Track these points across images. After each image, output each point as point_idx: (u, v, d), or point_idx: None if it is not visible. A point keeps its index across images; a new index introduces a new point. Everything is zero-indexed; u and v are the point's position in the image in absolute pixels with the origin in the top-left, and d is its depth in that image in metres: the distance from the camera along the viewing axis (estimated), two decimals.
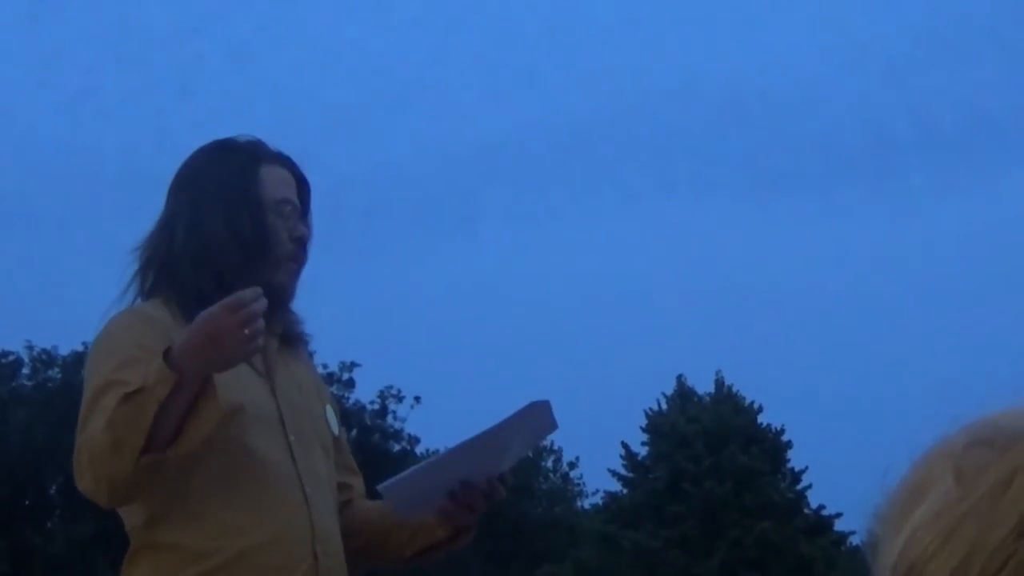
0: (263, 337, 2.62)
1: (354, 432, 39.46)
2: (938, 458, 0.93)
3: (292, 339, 3.07)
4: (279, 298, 2.98)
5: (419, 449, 45.04)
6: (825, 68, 76.80)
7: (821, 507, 37.97)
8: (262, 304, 2.58)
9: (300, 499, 2.86)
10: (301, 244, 3.00)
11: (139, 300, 2.95)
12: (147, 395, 2.59)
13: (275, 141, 3.09)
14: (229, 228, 2.91)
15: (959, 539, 0.87)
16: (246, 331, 2.56)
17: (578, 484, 50.63)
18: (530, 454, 49.73)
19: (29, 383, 40.14)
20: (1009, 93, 71.62)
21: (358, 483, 3.14)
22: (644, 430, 38.17)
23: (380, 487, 2.91)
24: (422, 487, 2.93)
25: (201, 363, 2.60)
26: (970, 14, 73.65)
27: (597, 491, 43.53)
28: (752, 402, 38.30)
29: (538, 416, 2.98)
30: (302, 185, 3.07)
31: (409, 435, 44.14)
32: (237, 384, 2.88)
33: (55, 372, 40.06)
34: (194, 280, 2.89)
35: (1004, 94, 69.49)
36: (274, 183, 2.99)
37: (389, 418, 43.50)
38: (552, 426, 3.03)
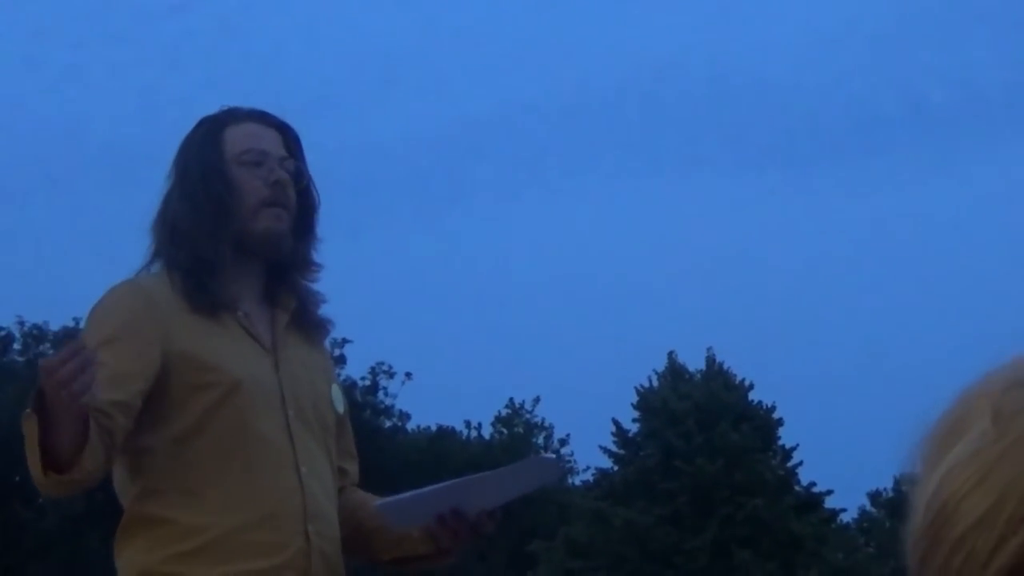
0: (94, 391, 2.51)
1: None
2: (977, 397, 0.92)
3: (309, 326, 3.07)
4: (272, 246, 2.97)
5: (410, 425, 45.15)
6: (812, 45, 76.81)
7: (812, 484, 38.03)
8: (71, 367, 2.46)
9: (294, 479, 2.85)
10: (280, 187, 2.97)
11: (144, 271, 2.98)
12: (31, 424, 2.59)
13: None
14: (185, 198, 2.93)
15: (992, 481, 0.87)
16: (63, 393, 2.47)
17: (569, 461, 50.65)
18: (520, 430, 49.80)
19: (20, 359, 40.12)
20: (997, 70, 71.56)
21: (354, 469, 3.13)
22: (635, 407, 38.16)
23: (378, 503, 2.94)
24: (418, 509, 2.95)
25: (56, 409, 2.55)
26: None
27: (588, 468, 43.59)
28: (743, 379, 38.31)
29: (544, 468, 3.03)
30: (286, 133, 3.05)
31: (400, 411, 44.24)
32: (238, 359, 2.88)
33: (46, 347, 39.97)
34: (177, 258, 2.92)
35: (992, 71, 69.56)
36: (239, 138, 2.98)
37: (380, 394, 43.55)
38: (553, 478, 3.06)
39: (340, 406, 3.09)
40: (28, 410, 2.58)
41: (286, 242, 2.98)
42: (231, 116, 3.03)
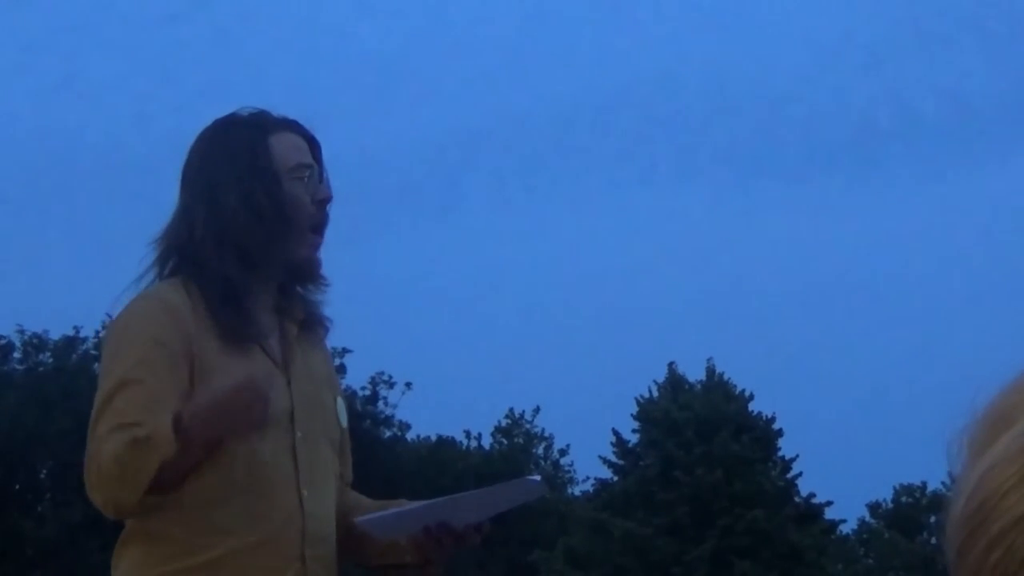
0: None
1: None
2: None
3: (312, 323, 3.04)
4: (306, 272, 2.97)
5: (410, 435, 45.13)
6: (807, 57, 76.91)
7: (811, 495, 38.03)
8: (273, 383, 2.68)
9: (295, 502, 2.84)
10: (323, 206, 2.96)
11: (156, 281, 2.93)
12: (153, 450, 2.63)
13: None
14: (246, 205, 2.86)
15: None
16: (257, 407, 2.63)
17: (569, 471, 50.68)
18: (520, 440, 49.81)
19: (20, 367, 40.09)
20: (990, 82, 71.87)
21: (347, 471, 3.13)
22: (635, 417, 38.16)
23: (358, 520, 2.94)
24: (401, 526, 2.95)
25: (208, 434, 2.67)
26: (951, 2, 73.71)
27: (588, 478, 43.53)
28: (743, 390, 38.31)
29: (530, 489, 3.03)
30: (314, 146, 3.01)
31: (400, 421, 44.22)
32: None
33: (46, 356, 39.96)
34: (218, 263, 2.86)
35: (985, 83, 69.58)
36: (287, 150, 2.94)
37: (380, 404, 43.52)
38: (540, 496, 3.06)
39: (344, 420, 3.09)
40: (171, 434, 2.64)
41: (320, 270, 2.99)
42: (269, 122, 2.97)
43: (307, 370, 2.99)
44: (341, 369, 40.43)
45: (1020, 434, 0.88)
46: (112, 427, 2.70)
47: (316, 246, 2.96)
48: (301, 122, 3.02)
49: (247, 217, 2.86)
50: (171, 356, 2.78)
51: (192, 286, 2.86)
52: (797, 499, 37.68)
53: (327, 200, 2.97)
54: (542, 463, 50.41)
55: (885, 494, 51.11)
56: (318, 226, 2.96)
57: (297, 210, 2.91)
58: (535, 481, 3.01)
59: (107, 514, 2.76)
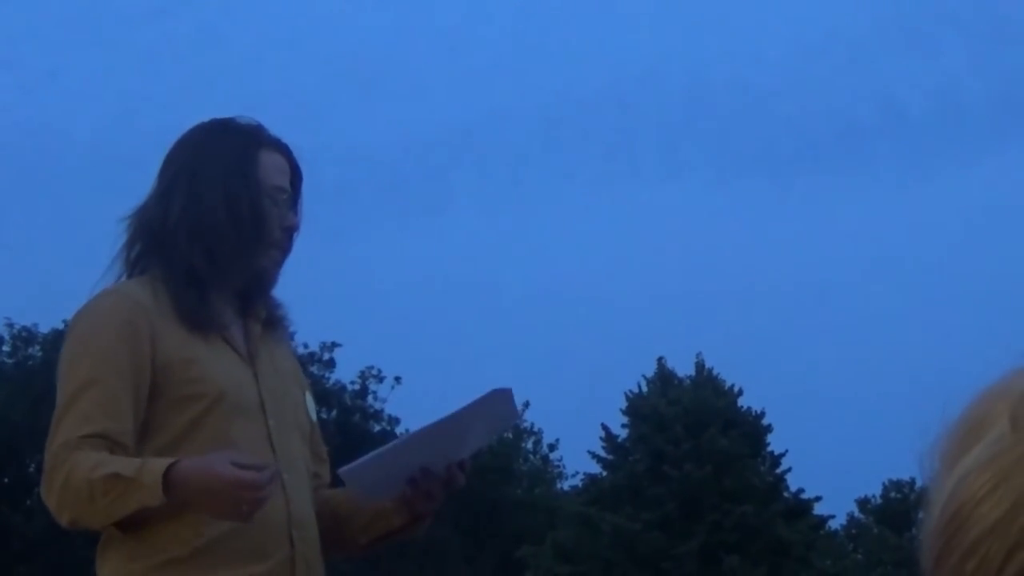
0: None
1: (334, 412, 39.35)
2: (997, 398, 0.91)
3: (273, 322, 3.07)
4: (263, 284, 3.00)
5: (399, 429, 45.08)
6: (792, 53, 76.97)
7: (800, 491, 38.06)
8: (271, 491, 2.66)
9: (278, 486, 2.85)
10: (289, 233, 3.00)
11: (124, 277, 2.94)
12: (133, 493, 2.64)
13: None
14: (227, 207, 2.91)
15: (1008, 487, 0.86)
16: (245, 507, 2.62)
17: (558, 466, 50.69)
18: (510, 435, 49.78)
19: (9, 361, 40.04)
20: (976, 79, 72.05)
21: (325, 471, 3.15)
22: (624, 412, 38.18)
23: (341, 471, 2.92)
24: (382, 472, 2.93)
25: (193, 501, 2.67)
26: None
27: (577, 473, 43.56)
28: (732, 385, 38.33)
29: (500, 404, 2.99)
30: (295, 174, 3.06)
31: (389, 416, 44.14)
32: (221, 369, 2.88)
33: (35, 350, 39.92)
34: (186, 255, 2.89)
35: (971, 80, 69.69)
36: (271, 169, 2.99)
37: (369, 398, 43.48)
38: (513, 415, 3.04)
39: (313, 414, 3.11)
40: (159, 491, 2.63)
41: (274, 284, 3.03)
42: (263, 137, 3.03)
43: (272, 366, 3.02)
44: (331, 363, 40.47)
45: (992, 442, 0.88)
46: (81, 435, 2.72)
47: (276, 261, 3.01)
48: (291, 149, 3.07)
49: (225, 219, 2.90)
50: (137, 354, 2.79)
51: (159, 283, 2.89)
52: (786, 494, 37.70)
53: (293, 228, 3.01)
54: (531, 458, 50.44)
55: (874, 490, 51.25)
56: (281, 247, 3.01)
57: (270, 227, 2.96)
58: (502, 391, 2.96)
59: (60, 522, 2.77)
